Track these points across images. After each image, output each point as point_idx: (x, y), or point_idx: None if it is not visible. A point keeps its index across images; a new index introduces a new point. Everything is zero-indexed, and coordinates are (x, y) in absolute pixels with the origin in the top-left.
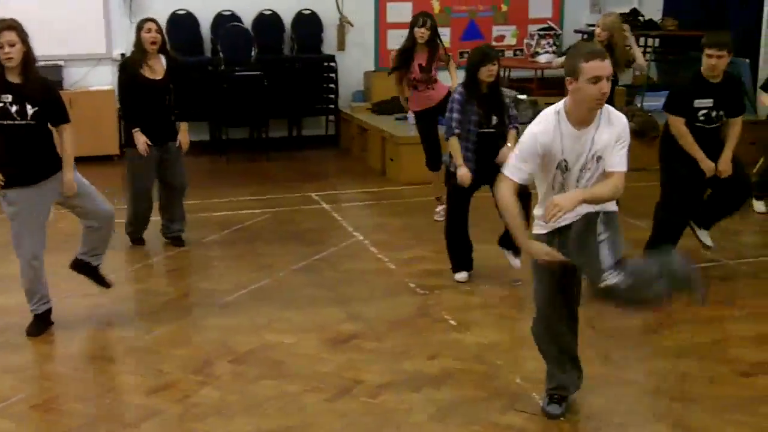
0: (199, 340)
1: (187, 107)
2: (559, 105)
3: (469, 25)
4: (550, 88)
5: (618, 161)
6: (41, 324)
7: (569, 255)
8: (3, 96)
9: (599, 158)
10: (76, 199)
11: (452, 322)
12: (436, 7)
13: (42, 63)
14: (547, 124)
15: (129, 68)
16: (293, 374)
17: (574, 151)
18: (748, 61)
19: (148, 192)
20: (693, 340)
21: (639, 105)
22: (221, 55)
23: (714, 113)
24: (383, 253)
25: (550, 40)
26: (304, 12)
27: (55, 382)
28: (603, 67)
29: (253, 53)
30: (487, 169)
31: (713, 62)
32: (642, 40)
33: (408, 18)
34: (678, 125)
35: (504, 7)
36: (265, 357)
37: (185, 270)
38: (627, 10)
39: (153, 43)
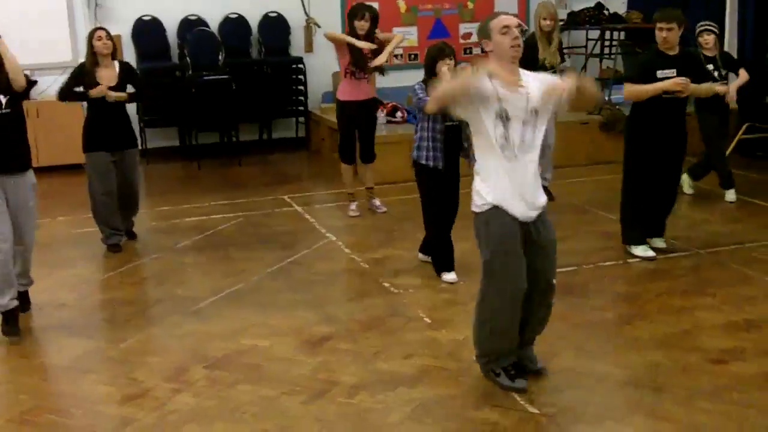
0: (174, 347)
1: (142, 92)
2: (484, 70)
3: (435, 23)
4: None
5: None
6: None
7: (531, 249)
8: None
9: (537, 111)
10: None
11: (427, 320)
12: (402, 6)
13: None
14: (483, 79)
15: (80, 71)
16: (269, 378)
17: (516, 106)
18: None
19: (109, 196)
20: (664, 331)
21: (606, 98)
22: (188, 60)
23: None
24: (356, 254)
25: None
26: (270, 15)
27: (29, 395)
28: (508, 18)
29: (220, 57)
30: (453, 163)
31: (664, 35)
32: (607, 34)
33: None
34: (628, 86)
35: (470, 5)
36: (241, 361)
37: (158, 277)
38: (592, 4)
39: (105, 48)
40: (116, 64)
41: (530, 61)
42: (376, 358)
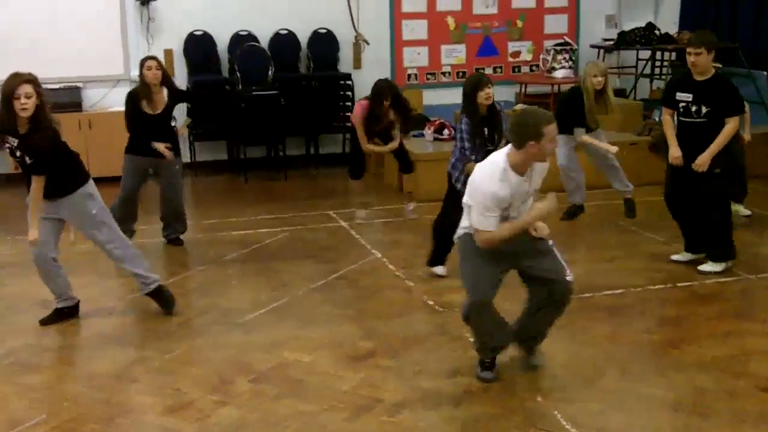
0: (218, 359)
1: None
2: (503, 160)
3: (484, 41)
4: None
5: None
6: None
7: (524, 252)
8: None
9: (533, 192)
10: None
11: (471, 339)
12: (451, 23)
13: (61, 85)
14: (500, 182)
15: (132, 100)
16: (312, 393)
17: (520, 193)
18: (765, 73)
19: (132, 191)
20: (711, 354)
21: (656, 119)
22: (238, 74)
23: (694, 108)
24: (401, 271)
25: (567, 56)
26: (320, 31)
27: (74, 403)
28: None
29: (269, 72)
30: None
31: (692, 59)
32: (658, 54)
33: (424, 35)
34: (664, 114)
35: (519, 23)
36: (284, 375)
37: (204, 288)
38: (643, 24)
39: (155, 79)
40: (164, 90)
41: (577, 110)
42: (419, 375)
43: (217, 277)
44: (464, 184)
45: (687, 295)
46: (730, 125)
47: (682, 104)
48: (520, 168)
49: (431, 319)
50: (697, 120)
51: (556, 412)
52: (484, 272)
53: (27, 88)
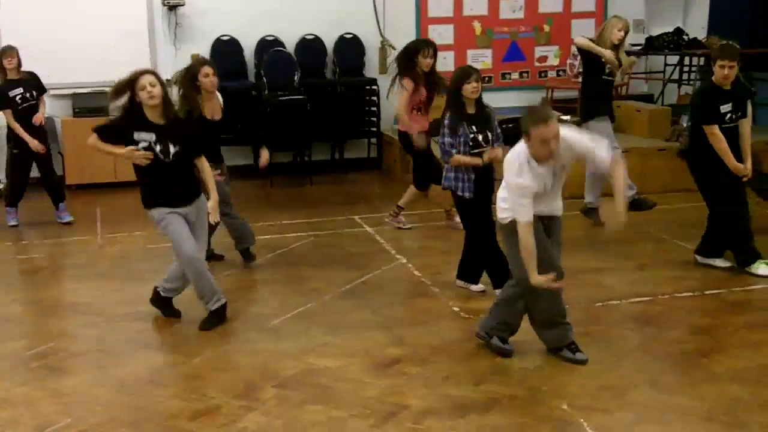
0: (245, 364)
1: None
2: (523, 151)
3: (511, 46)
4: None
5: (600, 152)
6: (215, 319)
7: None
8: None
9: (563, 166)
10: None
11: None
12: (478, 28)
13: (88, 89)
14: (525, 173)
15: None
16: (339, 399)
17: (548, 174)
18: None
19: None
20: (743, 365)
21: (685, 124)
22: (264, 80)
23: (734, 115)
24: (427, 277)
25: None
26: (346, 36)
27: (102, 407)
28: (550, 128)
29: (296, 78)
30: (485, 186)
31: (726, 72)
32: (686, 59)
33: (450, 40)
34: (717, 133)
35: (546, 28)
36: (311, 381)
37: (231, 293)
38: (671, 29)
39: (211, 86)
40: (219, 97)
41: (599, 68)
42: (446, 382)
43: (245, 282)
44: (454, 179)
45: (716, 304)
46: (749, 124)
47: (727, 116)
48: (535, 158)
49: (457, 326)
50: (733, 126)
51: (583, 421)
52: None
53: (150, 78)
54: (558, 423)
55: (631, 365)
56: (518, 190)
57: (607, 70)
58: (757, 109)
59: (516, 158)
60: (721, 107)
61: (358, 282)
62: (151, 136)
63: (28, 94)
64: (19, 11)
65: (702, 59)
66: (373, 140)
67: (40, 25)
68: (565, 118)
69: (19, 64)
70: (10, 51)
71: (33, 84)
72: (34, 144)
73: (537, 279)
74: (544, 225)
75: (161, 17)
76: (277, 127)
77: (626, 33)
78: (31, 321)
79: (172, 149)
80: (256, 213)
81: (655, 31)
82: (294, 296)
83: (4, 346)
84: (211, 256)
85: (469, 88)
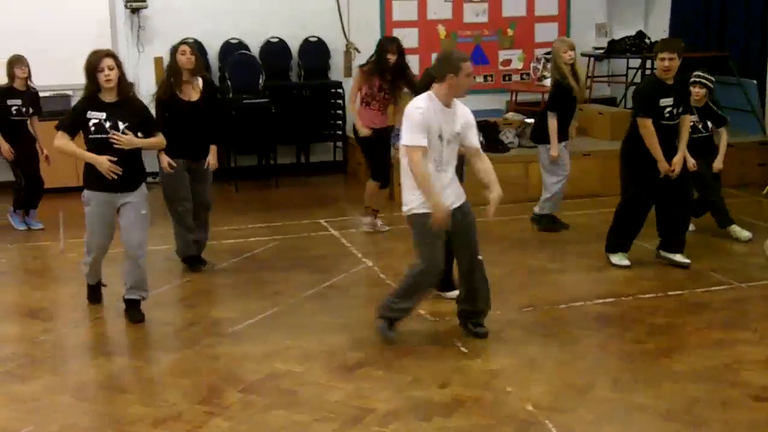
0: (207, 369)
1: (219, 131)
2: (428, 92)
3: (475, 49)
4: None
5: (477, 140)
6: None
7: (454, 232)
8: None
9: (458, 134)
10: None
11: (463, 349)
12: (442, 32)
13: (50, 93)
14: (426, 103)
15: (164, 90)
16: (303, 403)
17: (447, 127)
18: (755, 82)
19: (183, 204)
20: (704, 364)
21: None
22: (229, 83)
23: (675, 111)
24: (392, 279)
25: None
26: (310, 39)
27: (62, 413)
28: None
29: (260, 80)
30: None
31: (666, 64)
32: (648, 63)
33: (414, 43)
34: (650, 126)
35: (510, 32)
36: (275, 386)
37: (193, 298)
38: (633, 33)
39: (188, 63)
40: (199, 80)
41: (567, 102)
42: (410, 385)
43: (208, 287)
44: None
45: (678, 304)
46: (689, 122)
47: (667, 110)
48: (442, 99)
49: (422, 328)
50: (674, 123)
51: (547, 422)
52: (438, 246)
53: (109, 62)
54: (522, 424)
55: (593, 365)
56: (417, 117)
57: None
58: (728, 128)
59: (421, 96)
60: (661, 100)
61: (323, 286)
62: (102, 115)
63: (24, 109)
64: None
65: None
66: (339, 143)
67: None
68: (529, 121)
69: (29, 76)
70: (23, 61)
71: (33, 102)
72: (5, 148)
73: (441, 204)
74: (455, 219)
75: (123, 19)
76: (241, 130)
77: (573, 50)
78: None
79: (121, 125)
80: (220, 216)
81: (618, 35)
82: (258, 300)
83: None
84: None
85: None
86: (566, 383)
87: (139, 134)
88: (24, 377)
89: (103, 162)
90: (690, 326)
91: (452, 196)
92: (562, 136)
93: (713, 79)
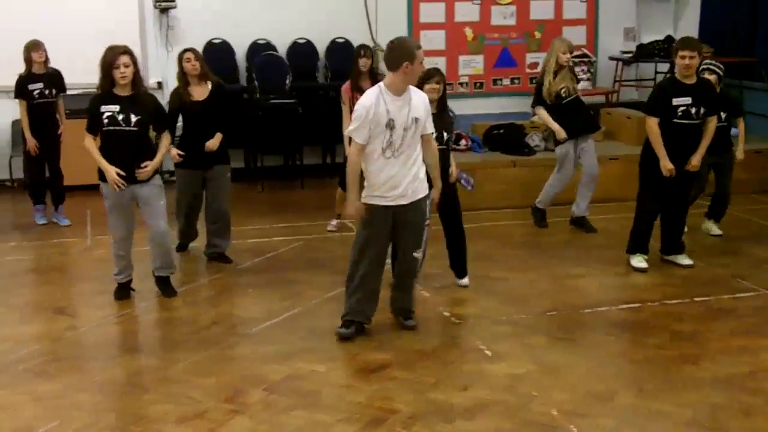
0: (231, 369)
1: (226, 125)
2: (380, 84)
3: (502, 52)
4: None
5: (431, 126)
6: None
7: (396, 227)
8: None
9: (417, 119)
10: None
11: (487, 352)
12: (469, 34)
13: (79, 91)
14: (377, 98)
15: (175, 94)
16: (325, 404)
17: (400, 115)
18: None
19: (190, 207)
20: (727, 371)
21: None
22: (256, 83)
23: (693, 110)
24: (417, 281)
25: (584, 67)
26: (338, 40)
27: (85, 411)
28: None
29: (287, 81)
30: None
31: (686, 62)
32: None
33: (441, 45)
34: (651, 124)
35: (537, 35)
36: (297, 386)
37: (217, 297)
38: (662, 37)
39: (194, 70)
40: (209, 84)
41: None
42: (433, 388)
43: (231, 286)
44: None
45: (702, 311)
46: (714, 123)
47: (681, 108)
48: (395, 89)
49: (446, 330)
50: (695, 122)
51: (572, 427)
52: (381, 236)
53: (125, 59)
54: (545, 428)
55: (616, 371)
56: (364, 111)
57: (563, 95)
58: (745, 118)
59: (373, 89)
60: (674, 100)
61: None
62: (116, 107)
63: (46, 91)
64: (8, 13)
65: None
66: None
67: (31, 26)
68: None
69: (47, 60)
70: (40, 45)
71: (54, 82)
72: (31, 144)
73: (353, 202)
74: (396, 218)
75: (152, 19)
76: (268, 130)
77: (571, 53)
78: (14, 324)
79: (133, 118)
80: (245, 217)
81: (646, 39)
82: (280, 300)
83: None
84: (220, 256)
85: (428, 88)
86: (590, 389)
87: (151, 129)
88: (48, 374)
89: (111, 173)
90: (714, 333)
91: (401, 187)
92: (570, 133)
93: (722, 66)
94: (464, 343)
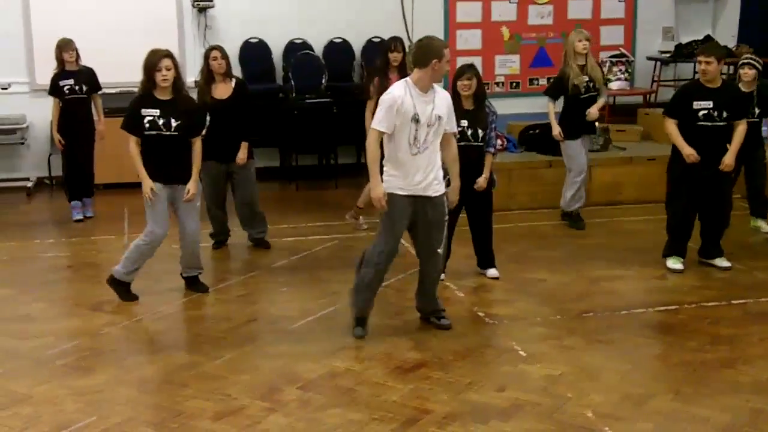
0: (267, 366)
1: (249, 128)
2: (407, 79)
3: (539, 51)
4: (622, 114)
5: (454, 124)
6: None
7: (417, 225)
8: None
9: (440, 117)
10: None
11: (522, 353)
12: (506, 34)
13: (117, 89)
14: (404, 90)
15: (199, 91)
16: (360, 402)
17: (425, 112)
18: None
19: (216, 204)
20: (767, 376)
21: None
22: (292, 82)
23: (716, 113)
24: (452, 281)
25: (622, 68)
26: (373, 39)
27: (124, 406)
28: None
29: (323, 81)
30: (470, 185)
31: (703, 67)
32: None
33: (478, 45)
34: (668, 125)
35: None
36: (332, 384)
37: (253, 295)
38: (701, 37)
39: (219, 68)
40: (233, 81)
41: (564, 90)
42: (468, 388)
43: (267, 285)
44: None
45: (741, 314)
46: (743, 126)
47: (702, 112)
48: (422, 85)
49: (481, 330)
50: (719, 125)
51: (607, 429)
52: (399, 227)
53: (167, 62)
54: (579, 431)
55: (653, 374)
56: (392, 101)
57: (582, 90)
58: None
59: (400, 82)
60: (695, 103)
61: (381, 286)
62: (156, 111)
63: (77, 87)
64: (49, 12)
65: (731, 68)
66: None
67: (71, 25)
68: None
69: (78, 58)
70: (71, 44)
71: (85, 79)
72: (56, 139)
73: (379, 187)
74: (418, 208)
75: (191, 19)
76: (303, 129)
77: (588, 41)
78: (53, 319)
79: (173, 123)
80: (280, 215)
81: (685, 39)
82: (316, 299)
83: (27, 344)
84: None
85: (460, 85)
86: (626, 391)
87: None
88: (87, 370)
89: (146, 187)
90: (754, 336)
91: (423, 182)
92: (578, 131)
93: (761, 61)
94: (499, 344)
